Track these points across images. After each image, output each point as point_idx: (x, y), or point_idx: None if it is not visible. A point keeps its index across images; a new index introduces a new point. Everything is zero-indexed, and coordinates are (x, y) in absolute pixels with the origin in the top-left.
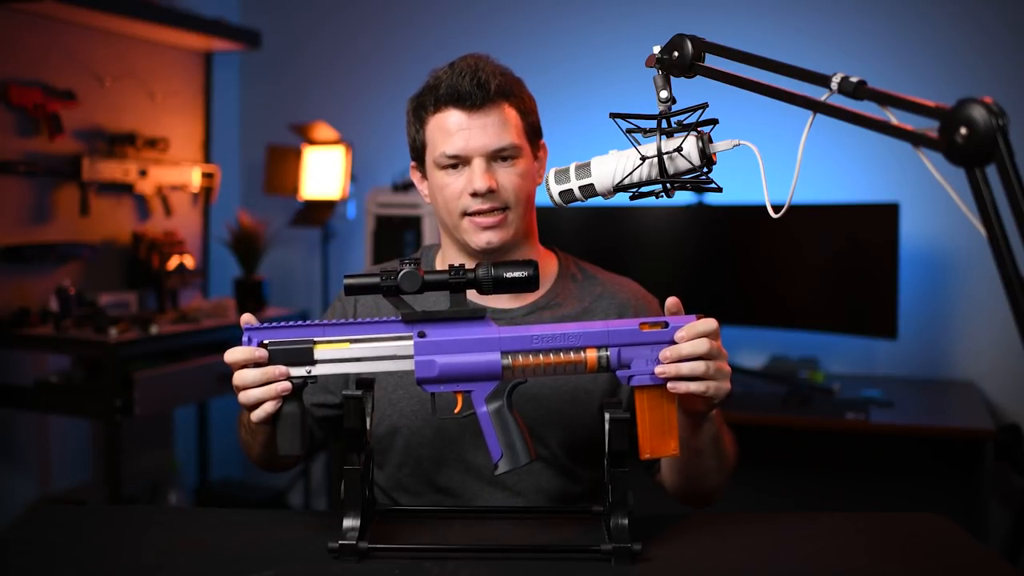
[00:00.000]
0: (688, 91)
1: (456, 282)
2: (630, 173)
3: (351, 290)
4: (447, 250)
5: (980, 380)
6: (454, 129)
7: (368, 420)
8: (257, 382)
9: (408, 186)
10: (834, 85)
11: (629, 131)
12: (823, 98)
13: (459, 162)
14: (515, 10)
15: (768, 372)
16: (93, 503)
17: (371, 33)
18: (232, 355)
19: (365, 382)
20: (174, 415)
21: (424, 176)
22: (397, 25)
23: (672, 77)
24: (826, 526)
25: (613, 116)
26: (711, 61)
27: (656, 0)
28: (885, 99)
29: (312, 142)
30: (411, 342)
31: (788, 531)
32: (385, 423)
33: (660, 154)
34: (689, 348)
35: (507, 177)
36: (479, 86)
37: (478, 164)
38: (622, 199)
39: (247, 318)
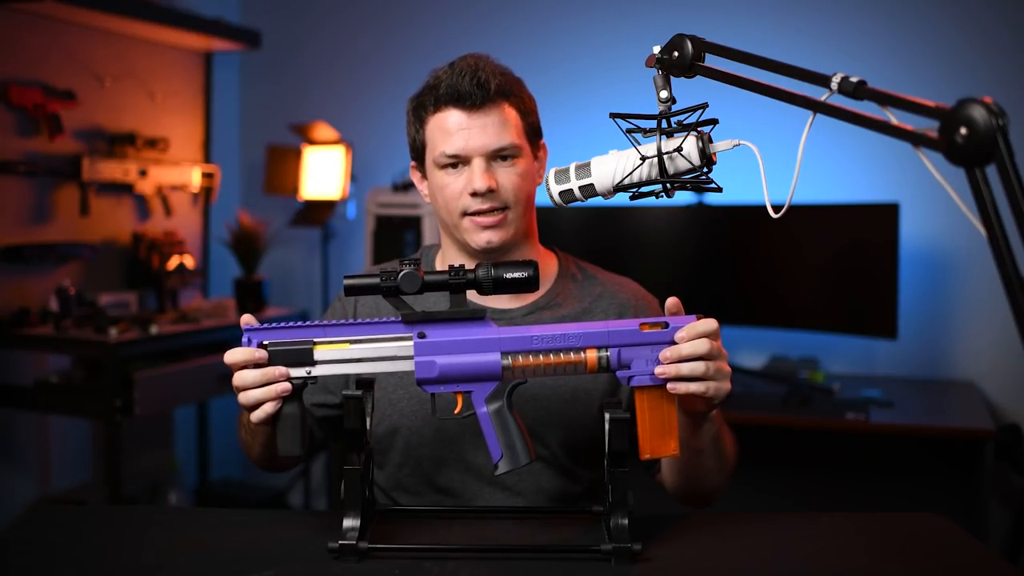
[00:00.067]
0: (688, 91)
1: (456, 282)
2: (630, 173)
3: (351, 290)
4: (447, 250)
5: (980, 380)
6: (454, 129)
7: (368, 420)
8: (257, 383)
9: (408, 186)
10: (834, 85)
11: (629, 131)
12: (823, 98)
13: (459, 162)
14: (515, 10)
15: (768, 372)
16: (93, 503)
17: (371, 33)
18: (232, 356)
19: (365, 382)
20: (174, 415)
21: (424, 176)
22: (397, 25)
23: (672, 77)
24: (826, 526)
25: (613, 116)
26: (711, 61)
27: (656, 0)
28: (885, 99)
29: (312, 142)
30: (411, 343)
31: (788, 531)
32: (385, 423)
33: (660, 154)
34: (689, 348)
35: (507, 177)
36: (479, 86)
37: (478, 164)
38: (622, 199)
39: (247, 319)
